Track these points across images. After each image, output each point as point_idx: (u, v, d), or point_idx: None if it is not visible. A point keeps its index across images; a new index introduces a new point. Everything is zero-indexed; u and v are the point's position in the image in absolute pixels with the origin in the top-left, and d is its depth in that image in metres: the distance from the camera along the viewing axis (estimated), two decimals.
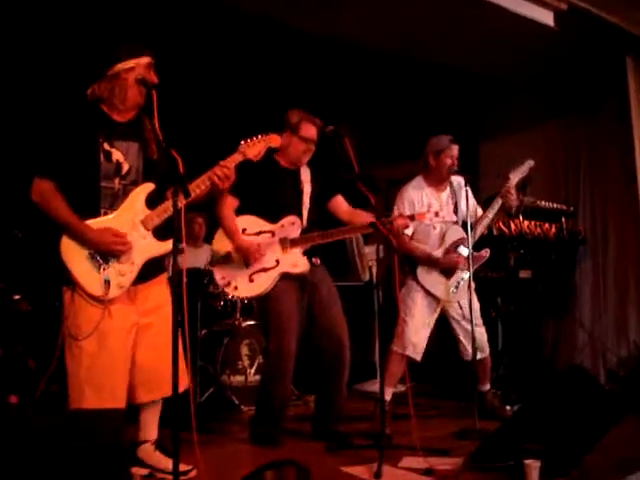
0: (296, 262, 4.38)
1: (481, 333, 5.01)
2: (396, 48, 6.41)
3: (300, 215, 4.46)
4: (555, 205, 6.59)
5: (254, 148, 3.64)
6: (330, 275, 4.64)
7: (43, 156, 3.51)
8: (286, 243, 4.38)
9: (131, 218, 3.48)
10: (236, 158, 3.60)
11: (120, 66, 3.49)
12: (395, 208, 4.92)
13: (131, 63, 3.49)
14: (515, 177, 4.98)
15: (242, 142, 3.64)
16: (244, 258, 4.35)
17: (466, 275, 4.82)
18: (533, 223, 6.26)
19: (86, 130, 3.47)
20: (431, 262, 4.90)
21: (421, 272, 4.92)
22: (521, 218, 5.94)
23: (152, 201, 3.52)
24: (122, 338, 3.44)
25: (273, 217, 4.43)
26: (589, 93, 6.81)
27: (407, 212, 4.75)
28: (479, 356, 4.87)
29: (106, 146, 3.48)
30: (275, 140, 3.74)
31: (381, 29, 5.98)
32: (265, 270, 4.36)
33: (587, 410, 3.54)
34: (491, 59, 6.63)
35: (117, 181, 3.50)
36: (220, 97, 6.85)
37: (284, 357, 4.36)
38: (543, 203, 6.40)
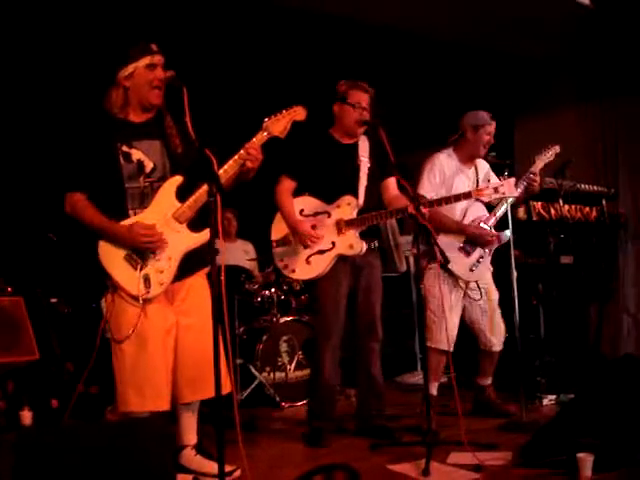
0: (352, 243, 4.27)
1: (500, 326, 4.87)
2: (428, 31, 6.31)
3: (356, 194, 4.33)
4: (595, 187, 6.44)
5: (278, 124, 3.49)
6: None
7: (68, 171, 3.51)
8: (341, 224, 4.28)
9: (163, 213, 3.42)
10: (261, 137, 3.47)
11: (121, 73, 3.44)
12: (424, 176, 4.72)
13: (130, 68, 3.44)
14: (540, 162, 4.82)
15: (265, 119, 3.50)
16: (300, 240, 4.31)
17: (486, 253, 4.74)
18: (573, 207, 6.12)
19: (102, 137, 3.44)
20: (458, 231, 4.71)
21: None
22: (561, 202, 5.78)
23: (182, 194, 3.45)
24: (161, 339, 3.41)
25: (329, 197, 4.34)
26: (627, 73, 6.62)
27: (437, 180, 4.66)
28: (495, 348, 4.81)
29: (125, 148, 3.44)
30: (300, 113, 3.56)
31: (414, 11, 5.88)
32: (321, 252, 4.30)
33: None
34: (527, 39, 6.50)
35: (142, 180, 3.45)
36: (242, 78, 6.66)
37: (328, 341, 4.32)
38: (583, 186, 6.25)
